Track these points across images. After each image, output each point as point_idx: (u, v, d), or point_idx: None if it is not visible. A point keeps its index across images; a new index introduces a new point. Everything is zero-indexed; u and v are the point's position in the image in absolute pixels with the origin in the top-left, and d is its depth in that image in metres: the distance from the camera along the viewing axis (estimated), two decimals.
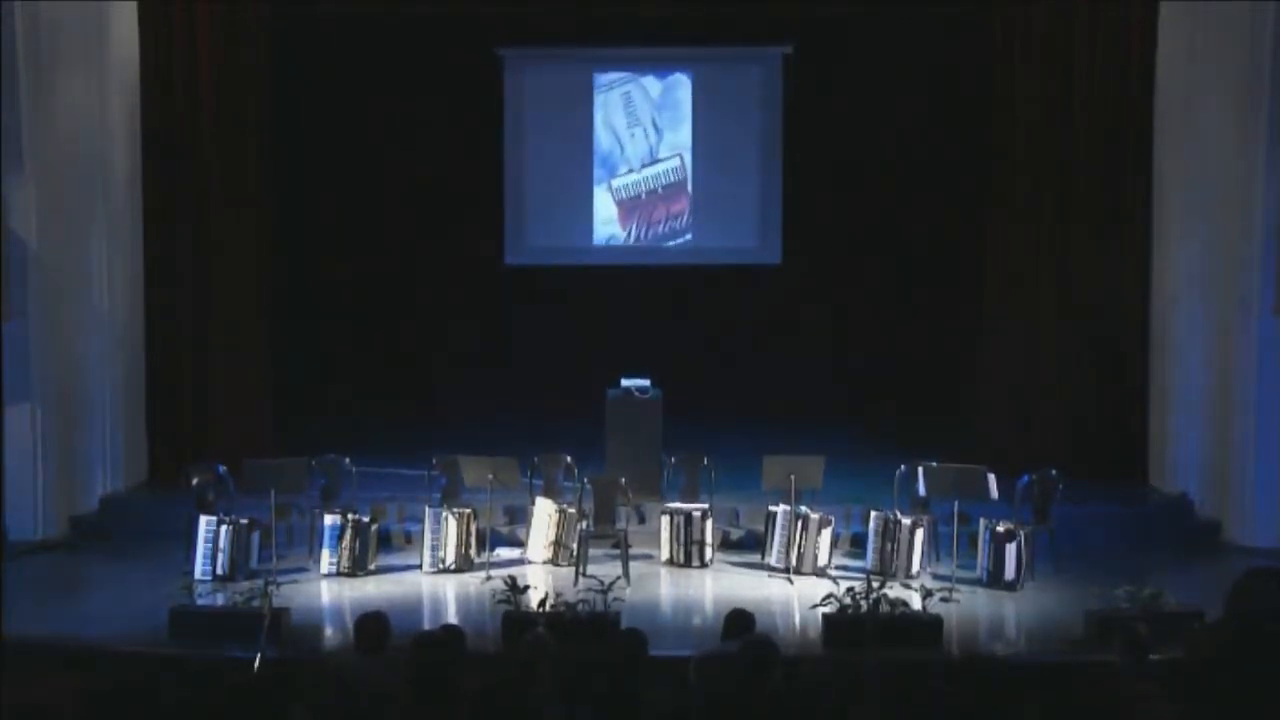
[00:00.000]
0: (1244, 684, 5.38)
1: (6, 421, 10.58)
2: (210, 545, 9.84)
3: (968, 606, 9.13)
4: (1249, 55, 10.73)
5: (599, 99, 15.31)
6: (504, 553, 10.56)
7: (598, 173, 15.42)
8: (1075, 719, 5.82)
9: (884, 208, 14.81)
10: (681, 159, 15.31)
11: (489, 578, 9.71)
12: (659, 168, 15.40)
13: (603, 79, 15.32)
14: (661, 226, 15.43)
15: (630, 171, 15.46)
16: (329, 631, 8.90)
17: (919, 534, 9.86)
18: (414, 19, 13.70)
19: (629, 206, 15.37)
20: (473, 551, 10.18)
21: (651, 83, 15.37)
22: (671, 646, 7.98)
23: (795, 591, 9.65)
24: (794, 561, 9.99)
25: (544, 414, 13.23)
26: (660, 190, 15.37)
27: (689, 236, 15.35)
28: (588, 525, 10.20)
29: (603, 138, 15.40)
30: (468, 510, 10.23)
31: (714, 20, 14.02)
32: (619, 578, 9.18)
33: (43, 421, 10.98)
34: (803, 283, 14.86)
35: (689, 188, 15.26)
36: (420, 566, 10.17)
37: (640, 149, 15.37)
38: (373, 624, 6.45)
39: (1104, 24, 11.82)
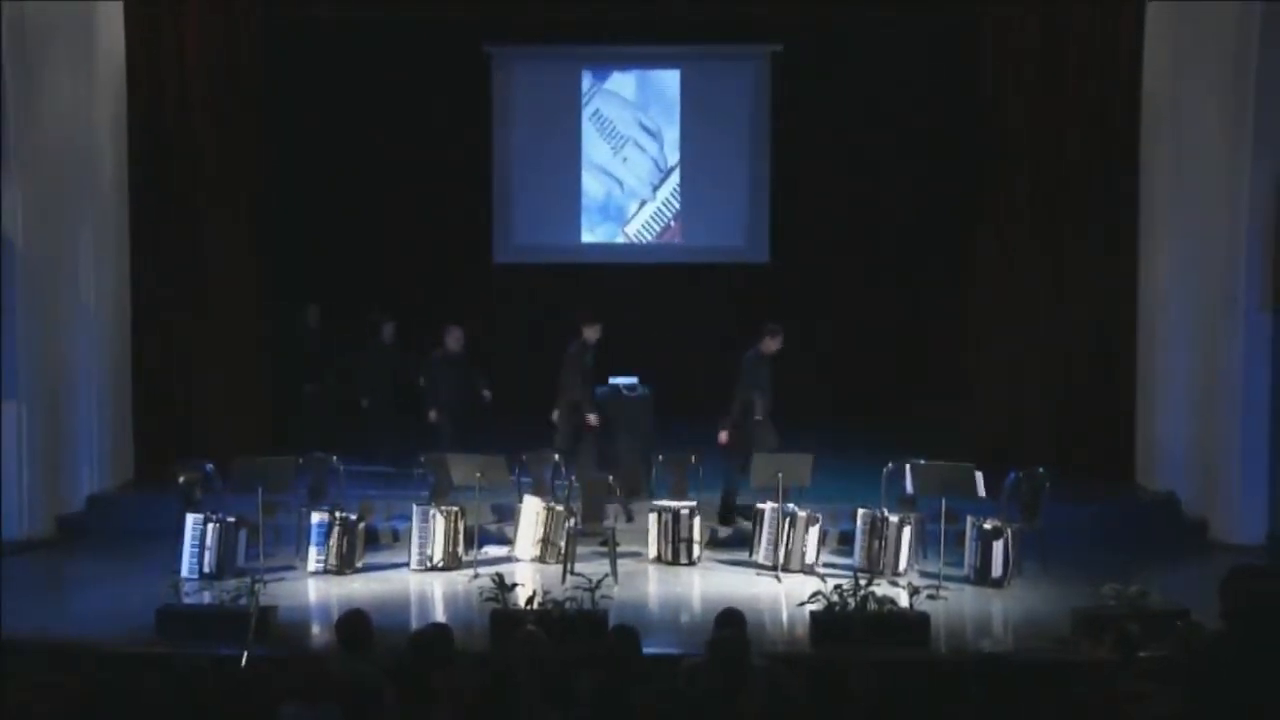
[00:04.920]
0: (1237, 681, 5.39)
1: None
2: (197, 544, 9.81)
3: (955, 604, 9.14)
4: (1234, 56, 10.78)
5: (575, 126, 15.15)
6: (492, 551, 10.55)
7: (607, 227, 15.28)
8: (1066, 716, 5.83)
9: (873, 207, 14.86)
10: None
11: (477, 575, 9.70)
12: (676, 178, 15.25)
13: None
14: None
15: (643, 205, 15.29)
16: (316, 630, 8.87)
17: (906, 532, 9.89)
18: (402, 17, 13.71)
19: (669, 235, 15.33)
20: (460, 549, 10.18)
21: (620, 81, 15.21)
22: (660, 644, 8.02)
23: (783, 589, 9.66)
24: (782, 559, 10.00)
25: (532, 412, 13.21)
26: (689, 207, 15.28)
27: (677, 236, 15.36)
28: (576, 523, 10.20)
29: (592, 188, 15.23)
30: (455, 508, 10.22)
31: (703, 19, 14.03)
32: (607, 575, 9.18)
33: (29, 420, 10.94)
34: (790, 281, 14.88)
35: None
36: (408, 564, 10.16)
37: (642, 168, 15.19)
38: (354, 622, 6.44)
39: (1092, 24, 11.87)
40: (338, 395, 12.77)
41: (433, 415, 11.54)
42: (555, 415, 11.31)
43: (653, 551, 10.37)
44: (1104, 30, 11.85)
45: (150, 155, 12.11)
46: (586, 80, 15.19)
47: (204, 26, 12.14)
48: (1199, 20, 11.13)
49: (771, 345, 11.02)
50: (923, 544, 10.14)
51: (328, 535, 9.99)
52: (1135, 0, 11.75)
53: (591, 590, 8.51)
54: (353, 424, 12.45)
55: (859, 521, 10.08)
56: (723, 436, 10.83)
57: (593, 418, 11.20)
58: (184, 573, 9.65)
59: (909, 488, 10.07)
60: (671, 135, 15.20)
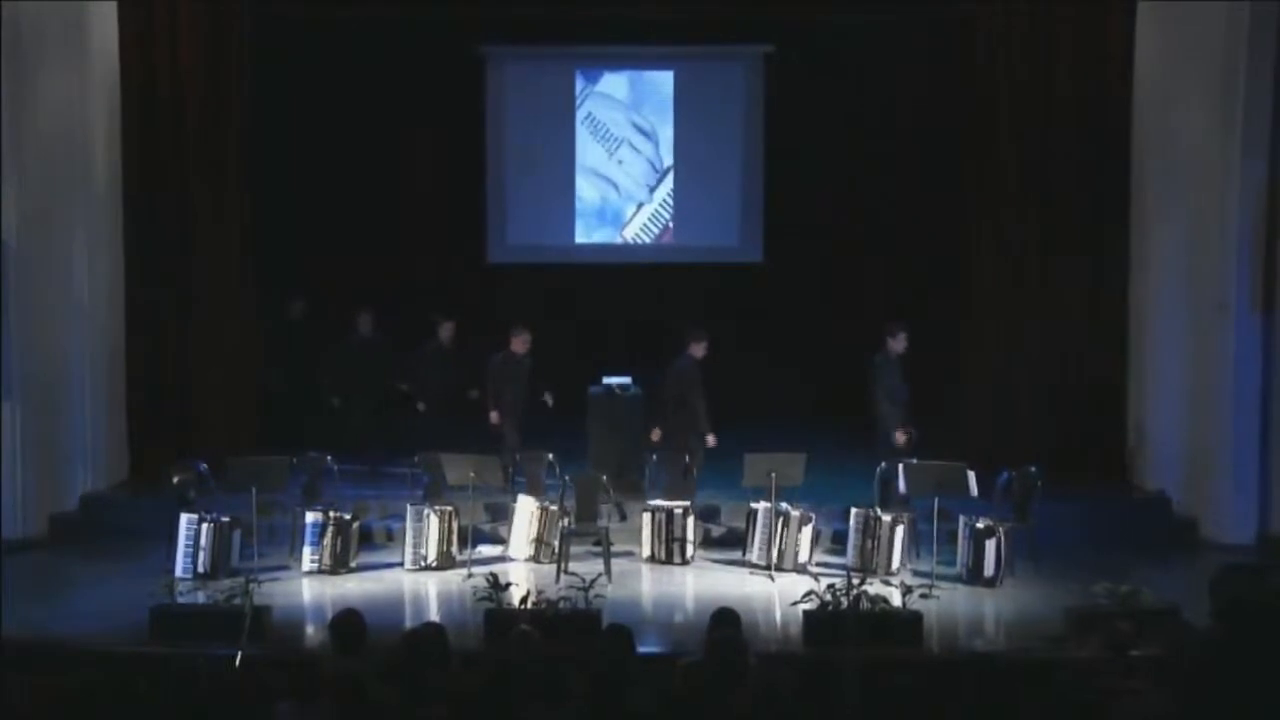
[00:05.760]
0: (1227, 679, 5.43)
1: None
2: (191, 543, 9.83)
3: (947, 603, 9.18)
4: (1225, 57, 10.83)
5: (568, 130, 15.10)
6: (486, 550, 10.58)
7: (605, 230, 15.25)
8: (1058, 715, 5.86)
9: (865, 207, 14.91)
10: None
11: (470, 575, 9.72)
12: (672, 179, 15.24)
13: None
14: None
15: (640, 208, 15.28)
16: (310, 629, 8.90)
17: (899, 531, 9.92)
18: (397, 15, 13.73)
19: (668, 235, 15.34)
20: (454, 549, 10.20)
21: (612, 82, 15.20)
22: (653, 644, 8.05)
23: (776, 588, 9.69)
24: (775, 558, 10.03)
25: (525, 411, 13.23)
26: (683, 207, 15.27)
27: (671, 235, 15.39)
28: (569, 523, 10.23)
29: (587, 193, 15.22)
30: (450, 508, 10.24)
31: (696, 19, 14.06)
32: (600, 575, 9.21)
33: (23, 419, 10.93)
34: (784, 281, 14.91)
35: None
36: (402, 564, 10.18)
37: (637, 169, 15.19)
38: (348, 622, 6.45)
39: (1083, 25, 11.89)
40: (390, 397, 12.48)
41: (494, 418, 11.28)
42: (712, 440, 10.95)
43: (646, 551, 10.40)
44: (1095, 32, 11.87)
45: (145, 154, 12.10)
46: (579, 82, 15.20)
47: (198, 26, 12.13)
48: (1188, 21, 11.18)
49: (895, 346, 10.88)
50: (915, 543, 10.16)
51: (322, 535, 10.01)
52: (1126, 0, 11.79)
53: (585, 590, 8.53)
54: (414, 424, 12.27)
55: (852, 521, 10.11)
56: (900, 437, 10.64)
57: (712, 438, 10.88)
58: (178, 572, 9.65)
59: (902, 487, 10.09)
60: (666, 135, 15.21)
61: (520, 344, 11.40)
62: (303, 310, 12.82)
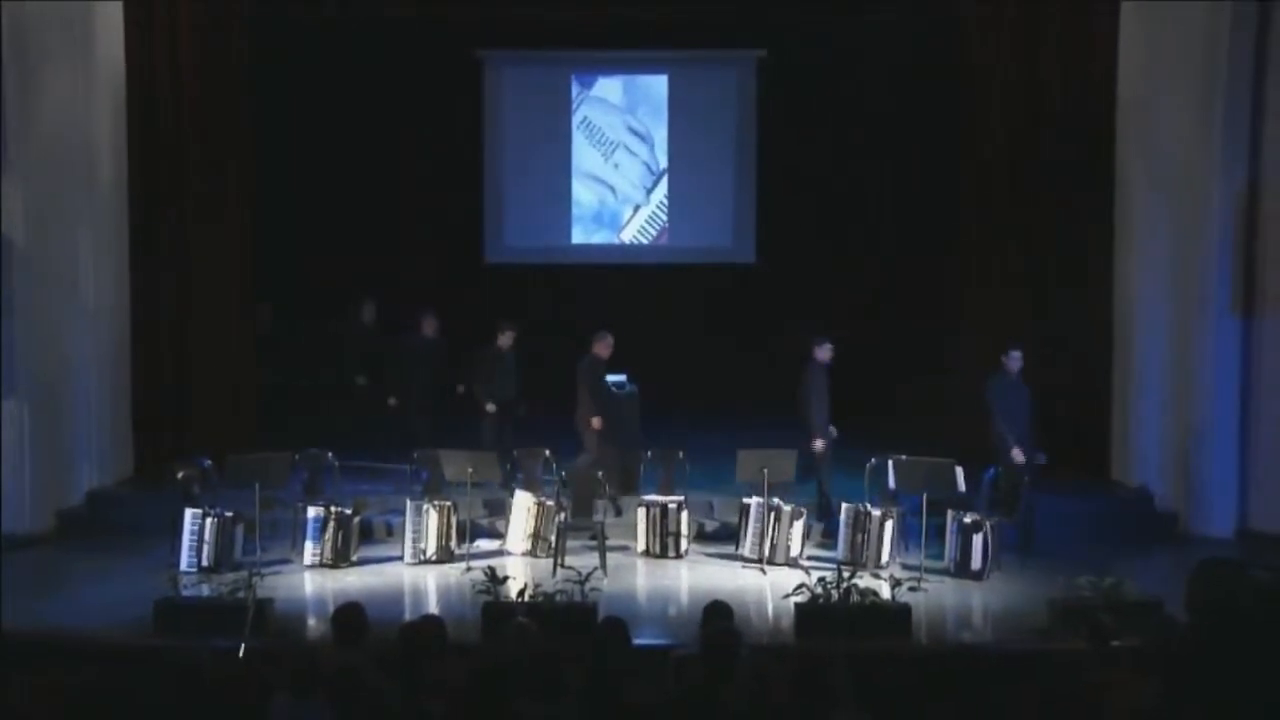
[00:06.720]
0: (1208, 670, 5.57)
1: None
2: (195, 538, 9.97)
3: (935, 596, 9.35)
4: (1206, 59, 10.95)
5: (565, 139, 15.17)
6: (484, 544, 10.71)
7: (603, 233, 15.32)
8: (1043, 704, 5.99)
9: (856, 209, 15.04)
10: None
11: (469, 569, 9.85)
12: (668, 182, 15.31)
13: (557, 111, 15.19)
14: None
15: (637, 210, 15.37)
16: (312, 622, 9.02)
17: (888, 525, 10.08)
18: (395, 19, 13.87)
19: (665, 236, 15.43)
20: (453, 543, 10.34)
21: (607, 86, 15.31)
22: (648, 636, 8.20)
23: (768, 581, 9.82)
24: (767, 552, 10.18)
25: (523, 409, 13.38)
26: (678, 209, 15.34)
27: (665, 236, 15.52)
28: (566, 518, 10.37)
29: (584, 197, 15.30)
30: (448, 503, 10.38)
31: (690, 24, 14.20)
32: (596, 568, 9.35)
33: (29, 417, 11.04)
34: (776, 281, 15.05)
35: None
36: (401, 558, 10.32)
37: (633, 172, 15.29)
38: (350, 615, 6.56)
39: (1069, 29, 12.03)
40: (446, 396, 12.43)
41: (597, 423, 11.24)
42: (819, 445, 10.85)
43: (641, 545, 10.53)
44: (1081, 36, 11.99)
45: (149, 154, 12.21)
46: (575, 87, 15.31)
47: (201, 28, 12.25)
48: (1170, 22, 11.29)
49: (1011, 365, 10.85)
50: (904, 537, 10.32)
51: (323, 529, 10.15)
52: (1111, 1, 11.93)
53: (581, 583, 8.65)
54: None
55: (842, 515, 10.26)
56: (1017, 454, 10.57)
57: (820, 443, 10.80)
58: (182, 567, 9.80)
59: (891, 482, 10.24)
60: (661, 138, 15.33)
61: (604, 348, 11.44)
62: (374, 313, 12.93)
